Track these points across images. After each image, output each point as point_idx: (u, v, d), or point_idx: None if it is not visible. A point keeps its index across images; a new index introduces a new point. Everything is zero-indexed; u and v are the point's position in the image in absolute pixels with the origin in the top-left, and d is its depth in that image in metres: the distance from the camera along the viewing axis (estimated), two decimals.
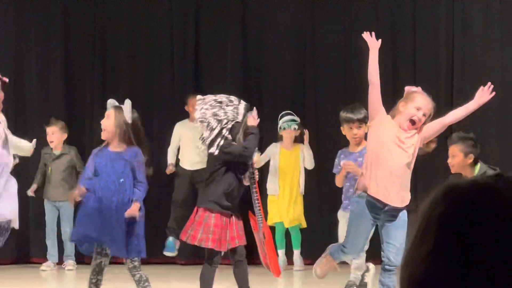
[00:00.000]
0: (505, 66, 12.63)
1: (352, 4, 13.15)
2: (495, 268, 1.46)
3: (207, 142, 8.31)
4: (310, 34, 13.12)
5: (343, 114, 9.66)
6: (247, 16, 13.41)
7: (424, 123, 8.09)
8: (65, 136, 11.83)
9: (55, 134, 11.58)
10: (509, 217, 1.51)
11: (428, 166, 11.16)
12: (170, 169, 11.84)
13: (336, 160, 9.79)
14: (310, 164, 12.14)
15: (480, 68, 12.66)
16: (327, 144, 12.09)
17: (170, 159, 12.00)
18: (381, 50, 12.46)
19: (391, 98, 9.81)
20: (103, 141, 8.89)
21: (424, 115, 7.83)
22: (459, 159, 9.11)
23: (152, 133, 12.20)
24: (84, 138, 12.87)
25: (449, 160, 9.08)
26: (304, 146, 11.98)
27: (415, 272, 1.57)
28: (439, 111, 11.65)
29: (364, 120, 9.45)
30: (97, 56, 13.51)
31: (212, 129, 8.37)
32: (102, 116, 8.96)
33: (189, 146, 11.98)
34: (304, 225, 12.14)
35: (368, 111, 8.71)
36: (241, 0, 13.38)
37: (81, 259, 11.88)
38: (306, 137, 12.32)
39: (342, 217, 9.52)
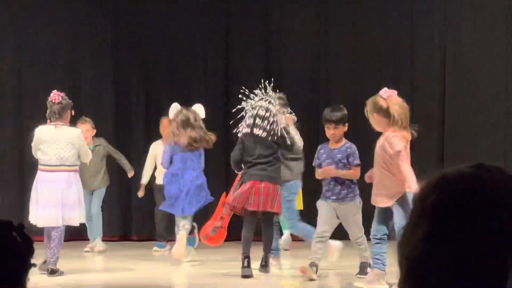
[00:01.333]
0: (490, 69, 13.60)
1: (360, 17, 13.99)
2: (483, 247, 1.59)
3: (284, 131, 9.99)
4: (324, 45, 14.16)
5: (324, 114, 10.22)
6: (270, 31, 14.36)
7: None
8: (94, 132, 12.39)
9: (89, 132, 12.09)
10: (493, 203, 1.66)
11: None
12: (141, 192, 12.58)
13: (316, 154, 10.19)
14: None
15: (468, 70, 13.76)
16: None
17: (144, 179, 12.62)
18: (381, 58, 13.99)
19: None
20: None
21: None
22: None
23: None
24: (132, 137, 13.90)
25: None
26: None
27: (413, 251, 1.70)
28: (433, 104, 13.44)
29: (341, 121, 9.99)
30: (142, 74, 14.29)
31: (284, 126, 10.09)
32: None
33: None
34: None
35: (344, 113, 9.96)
36: (265, 15, 14.24)
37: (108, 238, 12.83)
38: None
39: (321, 206, 10.08)
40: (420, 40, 14.06)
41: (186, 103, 12.21)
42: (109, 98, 14.30)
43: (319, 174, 9.93)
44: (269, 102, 10.16)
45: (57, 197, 10.07)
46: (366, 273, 9.89)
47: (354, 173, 9.90)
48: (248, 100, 10.20)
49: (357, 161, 9.83)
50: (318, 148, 10.17)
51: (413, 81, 13.70)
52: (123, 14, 14.44)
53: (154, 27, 14.33)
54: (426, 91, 13.89)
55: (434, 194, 1.70)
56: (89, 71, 14.28)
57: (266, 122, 10.04)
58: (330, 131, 9.87)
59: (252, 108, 10.20)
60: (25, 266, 2.75)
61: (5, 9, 14.15)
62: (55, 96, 10.44)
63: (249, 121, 10.06)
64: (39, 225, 10.23)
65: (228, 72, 14.26)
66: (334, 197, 9.87)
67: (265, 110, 10.16)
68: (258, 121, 9.94)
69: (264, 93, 10.19)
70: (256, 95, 10.20)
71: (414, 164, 9.09)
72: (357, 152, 9.89)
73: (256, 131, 9.91)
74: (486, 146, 13.29)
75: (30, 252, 2.77)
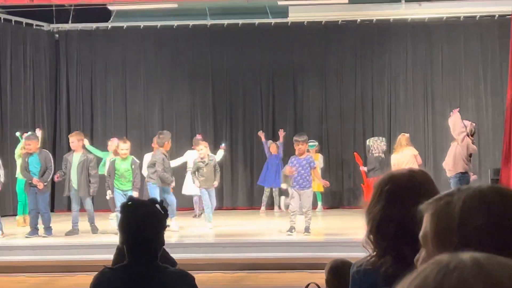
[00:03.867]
0: (414, 117, 15.70)
1: (344, 87, 15.81)
2: (411, 213, 1.70)
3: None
4: (324, 104, 16.08)
5: (294, 137, 11.01)
6: (296, 95, 16.03)
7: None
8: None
9: (207, 149, 12.10)
10: (418, 190, 2.05)
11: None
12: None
13: (289, 160, 10.96)
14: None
15: (402, 119, 15.78)
16: (332, 152, 15.66)
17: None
18: (355, 110, 15.52)
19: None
20: None
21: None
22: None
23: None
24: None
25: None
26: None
27: (375, 217, 2.11)
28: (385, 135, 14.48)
29: (304, 141, 10.83)
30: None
31: None
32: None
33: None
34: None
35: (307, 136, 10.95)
36: (292, 87, 15.91)
37: None
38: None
39: (292, 193, 10.96)
40: (377, 101, 15.96)
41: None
42: (209, 129, 15.89)
43: (289, 171, 10.84)
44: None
45: None
46: (292, 233, 10.78)
47: (316, 172, 11.19)
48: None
49: (314, 165, 10.99)
50: (291, 157, 11.07)
51: (373, 122, 15.80)
52: (218, 87, 16.22)
53: (236, 91, 16.20)
54: (380, 129, 15.62)
55: (388, 184, 2.08)
56: (200, 115, 16.21)
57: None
58: (298, 146, 10.82)
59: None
60: (163, 225, 3.22)
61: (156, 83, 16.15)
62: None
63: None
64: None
65: (275, 117, 16.14)
66: (298, 186, 10.81)
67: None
68: None
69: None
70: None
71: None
72: (314, 160, 11.25)
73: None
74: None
75: (165, 216, 3.23)
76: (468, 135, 10.87)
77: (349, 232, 10.99)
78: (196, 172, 11.77)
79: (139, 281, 3.14)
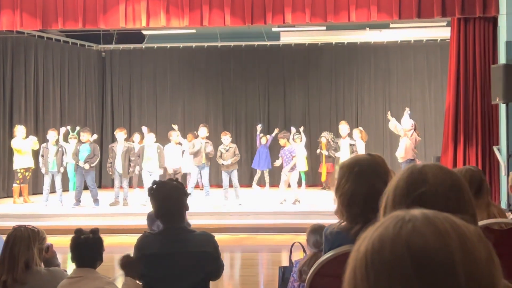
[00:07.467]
0: (375, 117, 15.16)
1: (326, 93, 15.23)
2: (374, 188, 1.79)
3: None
4: (307, 104, 15.61)
5: (279, 135, 11.00)
6: (286, 98, 15.47)
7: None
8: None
9: (230, 139, 11.32)
10: (376, 169, 1.97)
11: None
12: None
13: (279, 153, 10.98)
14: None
15: (366, 117, 15.27)
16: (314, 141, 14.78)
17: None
18: (331, 112, 14.91)
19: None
20: None
21: None
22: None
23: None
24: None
25: None
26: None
27: (346, 192, 2.01)
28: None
29: (285, 137, 10.74)
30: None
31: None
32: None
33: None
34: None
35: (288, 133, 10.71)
36: (283, 93, 15.48)
37: None
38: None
39: (284, 175, 10.76)
40: (347, 104, 15.63)
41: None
42: (219, 125, 15.22)
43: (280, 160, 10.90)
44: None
45: None
46: (283, 203, 10.74)
47: (294, 158, 10.78)
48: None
49: (294, 153, 10.81)
50: (280, 151, 11.09)
51: (343, 120, 13.78)
52: (226, 92, 15.75)
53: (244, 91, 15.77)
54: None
55: (356, 167, 1.99)
56: (213, 114, 15.76)
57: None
58: (282, 141, 10.97)
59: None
60: (183, 196, 3.11)
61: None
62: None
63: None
64: None
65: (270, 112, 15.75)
66: (284, 170, 10.85)
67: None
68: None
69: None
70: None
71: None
72: (293, 150, 10.98)
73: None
74: (374, 144, 14.26)
75: (183, 189, 3.13)
76: (414, 130, 10.78)
77: (324, 204, 10.78)
78: (220, 157, 11.09)
79: (174, 242, 3.06)
